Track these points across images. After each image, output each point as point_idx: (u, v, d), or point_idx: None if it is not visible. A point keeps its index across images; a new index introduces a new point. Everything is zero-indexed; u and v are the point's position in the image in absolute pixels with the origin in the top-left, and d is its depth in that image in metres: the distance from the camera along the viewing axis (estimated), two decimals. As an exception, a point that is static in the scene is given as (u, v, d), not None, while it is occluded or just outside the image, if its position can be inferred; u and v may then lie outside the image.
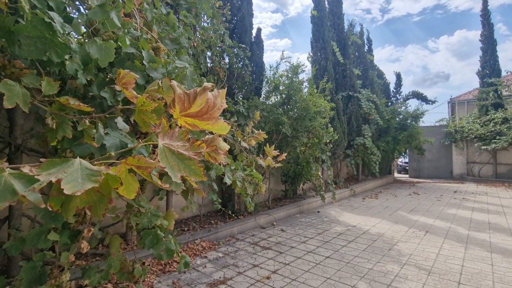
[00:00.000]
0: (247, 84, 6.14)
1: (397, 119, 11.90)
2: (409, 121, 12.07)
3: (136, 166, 0.71)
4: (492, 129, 12.78)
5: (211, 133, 1.02)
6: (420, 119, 12.31)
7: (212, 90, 0.86)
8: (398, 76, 16.27)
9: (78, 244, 1.82)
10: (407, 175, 16.43)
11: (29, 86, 1.17)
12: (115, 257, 2.00)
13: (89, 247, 1.79)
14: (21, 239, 1.71)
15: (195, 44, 4.32)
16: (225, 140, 3.19)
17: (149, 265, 3.60)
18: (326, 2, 9.91)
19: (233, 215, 5.53)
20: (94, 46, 1.26)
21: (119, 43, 1.50)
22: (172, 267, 3.60)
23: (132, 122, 1.73)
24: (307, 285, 3.14)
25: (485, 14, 14.07)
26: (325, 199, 7.09)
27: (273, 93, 6.54)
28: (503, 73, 13.78)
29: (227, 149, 1.24)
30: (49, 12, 1.05)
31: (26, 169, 0.65)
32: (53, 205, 0.68)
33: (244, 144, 3.29)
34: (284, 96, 6.42)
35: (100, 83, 1.62)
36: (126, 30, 1.58)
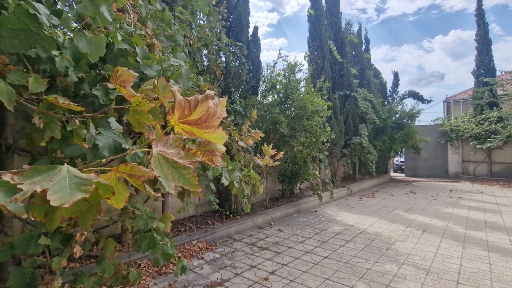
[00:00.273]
0: (244, 83, 6.08)
1: (394, 118, 11.93)
2: (405, 121, 12.11)
3: (128, 174, 0.65)
4: (487, 128, 12.88)
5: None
6: (416, 118, 12.37)
7: (213, 98, 0.81)
8: (396, 76, 16.32)
9: (70, 248, 1.75)
10: (403, 174, 16.51)
11: (14, 83, 1.10)
12: (109, 261, 1.94)
13: (82, 251, 1.72)
14: (10, 244, 1.64)
15: (191, 42, 4.25)
16: (222, 139, 3.12)
17: (144, 267, 3.53)
18: (323, 1, 9.87)
19: (230, 215, 5.48)
20: (84, 40, 1.19)
21: (110, 38, 1.43)
22: (168, 268, 3.54)
23: (125, 121, 1.66)
24: (306, 286, 3.11)
25: (480, 14, 14.16)
26: (323, 199, 7.07)
27: (270, 92, 6.49)
28: (498, 73, 13.90)
29: (224, 151, 1.19)
30: (35, 3, 0.98)
31: (7, 176, 0.59)
32: (36, 215, 0.62)
33: (241, 144, 3.24)
34: (281, 95, 6.37)
35: (92, 81, 1.55)
36: (118, 25, 1.51)
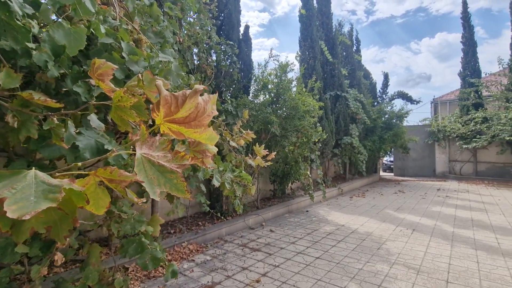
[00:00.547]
0: (235, 82, 6.00)
1: (383, 118, 12.09)
2: (394, 121, 12.29)
3: (107, 179, 0.58)
4: (473, 128, 13.22)
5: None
6: (405, 118, 12.58)
7: (202, 94, 0.74)
8: (386, 76, 16.56)
9: (51, 255, 1.65)
10: (392, 174, 16.77)
11: (-16, 79, 1.01)
12: (93, 267, 1.84)
13: (64, 258, 1.62)
14: (-16, 252, 1.52)
15: (181, 40, 4.15)
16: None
17: (133, 270, 3.42)
18: (315, 1, 9.89)
19: (221, 216, 5.40)
20: (61, 31, 1.09)
21: (92, 30, 1.33)
22: (157, 272, 3.44)
23: (111, 120, 1.57)
24: (298, 288, 3.07)
25: (466, 17, 14.51)
26: (314, 198, 7.08)
27: (262, 92, 6.43)
28: (483, 75, 14.29)
29: (216, 151, 1.13)
30: (5, -10, 0.90)
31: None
32: (1, 226, 0.55)
33: (233, 144, 3.17)
34: (273, 95, 6.33)
35: (74, 77, 1.46)
36: (101, 17, 1.42)
